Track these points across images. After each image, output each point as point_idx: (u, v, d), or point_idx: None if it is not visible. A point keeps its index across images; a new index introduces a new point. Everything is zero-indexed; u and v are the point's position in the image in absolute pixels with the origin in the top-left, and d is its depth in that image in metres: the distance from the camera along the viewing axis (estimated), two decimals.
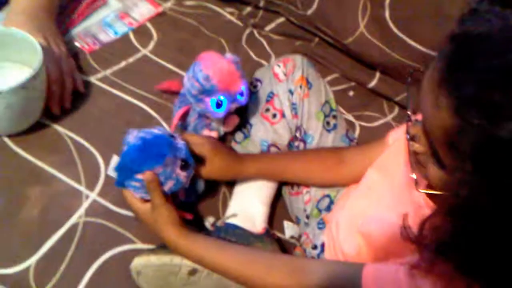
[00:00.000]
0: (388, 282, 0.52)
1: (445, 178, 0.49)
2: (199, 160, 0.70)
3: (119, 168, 0.65)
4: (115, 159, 0.78)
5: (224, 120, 0.82)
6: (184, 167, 0.65)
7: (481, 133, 0.40)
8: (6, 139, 0.77)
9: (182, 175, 0.66)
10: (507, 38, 0.42)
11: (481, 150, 0.41)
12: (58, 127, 0.80)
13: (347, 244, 0.66)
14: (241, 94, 0.76)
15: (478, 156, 0.41)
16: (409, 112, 0.57)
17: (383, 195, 0.69)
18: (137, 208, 0.66)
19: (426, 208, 0.58)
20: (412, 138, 0.56)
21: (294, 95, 0.83)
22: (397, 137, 0.72)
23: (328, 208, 0.78)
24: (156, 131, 0.66)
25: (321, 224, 0.76)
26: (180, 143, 0.66)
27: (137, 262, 0.66)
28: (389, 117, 1.02)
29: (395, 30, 0.95)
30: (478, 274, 0.43)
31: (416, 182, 0.56)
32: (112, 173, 0.76)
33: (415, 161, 0.56)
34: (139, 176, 0.63)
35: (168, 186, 0.65)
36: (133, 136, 0.65)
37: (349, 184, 0.79)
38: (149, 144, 0.64)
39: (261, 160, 0.78)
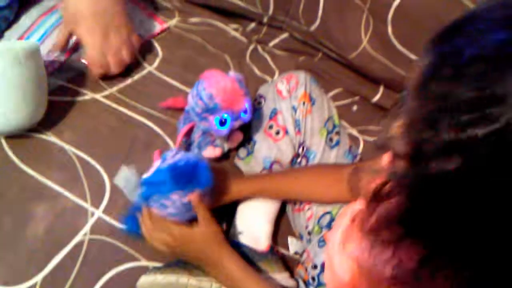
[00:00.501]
0: None
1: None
2: None
3: (150, 182, 0.66)
4: (125, 170, 0.78)
5: (228, 137, 0.82)
6: None
7: None
8: (12, 155, 0.78)
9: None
10: None
11: None
12: (63, 144, 0.81)
13: (341, 268, 0.66)
14: (245, 111, 0.77)
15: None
16: None
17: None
18: (171, 227, 0.66)
19: None
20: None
21: (297, 112, 0.83)
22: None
23: (329, 225, 0.78)
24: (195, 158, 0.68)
25: (322, 242, 0.76)
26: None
27: (144, 280, 0.67)
28: None
29: (397, 45, 0.96)
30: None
31: None
32: (120, 183, 0.77)
33: None
34: (174, 196, 0.64)
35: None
36: (176, 155, 0.68)
37: (347, 201, 0.78)
38: (195, 168, 0.66)
39: (260, 182, 0.79)
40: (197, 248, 0.66)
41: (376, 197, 0.48)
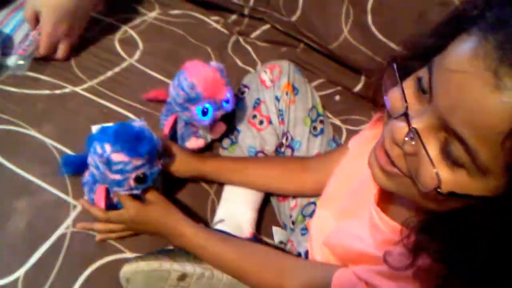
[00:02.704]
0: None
1: (467, 182, 0.41)
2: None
3: (101, 130, 0.66)
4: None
5: (211, 128, 0.82)
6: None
7: None
8: None
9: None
10: None
11: None
12: (43, 138, 0.80)
13: (319, 256, 0.66)
14: (227, 101, 0.77)
15: None
16: (406, 105, 0.45)
17: (342, 203, 0.68)
18: (131, 205, 0.68)
19: (375, 213, 0.57)
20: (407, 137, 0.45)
21: (280, 101, 0.83)
22: (357, 142, 0.72)
23: (312, 215, 0.79)
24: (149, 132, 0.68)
25: (304, 231, 0.76)
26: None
27: (126, 269, 0.66)
28: None
29: (378, 34, 0.97)
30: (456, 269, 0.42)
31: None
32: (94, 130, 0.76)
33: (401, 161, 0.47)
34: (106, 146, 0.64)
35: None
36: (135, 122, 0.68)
37: (312, 194, 0.78)
38: (140, 136, 0.65)
39: (221, 160, 0.81)
40: (149, 228, 0.69)
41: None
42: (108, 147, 0.63)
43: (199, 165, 0.78)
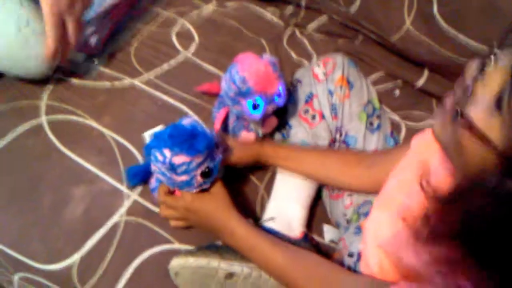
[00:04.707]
0: None
1: None
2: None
3: (156, 135, 0.67)
4: (159, 127, 0.80)
5: (262, 122, 0.81)
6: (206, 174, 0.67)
7: None
8: (53, 138, 0.80)
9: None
10: None
11: None
12: (102, 128, 0.83)
13: (372, 258, 0.63)
14: (279, 95, 0.75)
15: None
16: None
17: (399, 206, 0.63)
18: (185, 197, 0.68)
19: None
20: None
21: (334, 96, 0.80)
22: (421, 140, 0.67)
23: (368, 214, 0.75)
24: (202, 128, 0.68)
25: (358, 230, 0.73)
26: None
27: (175, 262, 0.67)
28: None
29: (444, 25, 0.90)
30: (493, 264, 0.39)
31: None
32: (146, 137, 0.80)
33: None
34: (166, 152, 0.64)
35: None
36: (187, 119, 0.68)
37: (366, 190, 0.75)
38: (195, 133, 0.66)
39: (280, 146, 0.79)
40: (202, 219, 0.68)
41: (444, 203, 0.45)
42: (167, 152, 0.64)
43: (259, 148, 0.77)
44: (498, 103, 0.41)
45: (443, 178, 0.51)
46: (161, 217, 0.73)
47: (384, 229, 0.63)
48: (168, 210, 0.71)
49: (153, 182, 0.75)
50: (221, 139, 0.75)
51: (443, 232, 0.43)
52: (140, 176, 0.76)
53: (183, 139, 0.64)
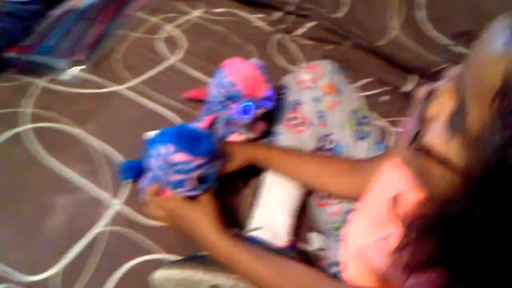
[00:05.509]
0: None
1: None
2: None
3: (161, 133, 0.67)
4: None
5: (251, 126, 0.80)
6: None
7: None
8: (38, 146, 0.79)
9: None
10: None
11: None
12: (85, 136, 0.82)
13: (352, 264, 0.63)
14: (268, 98, 0.75)
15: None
16: None
17: (376, 212, 0.62)
18: (174, 200, 0.67)
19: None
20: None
21: (321, 102, 0.80)
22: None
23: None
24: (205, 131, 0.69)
25: (339, 237, 0.72)
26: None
27: (159, 274, 0.66)
28: None
29: (432, 30, 0.90)
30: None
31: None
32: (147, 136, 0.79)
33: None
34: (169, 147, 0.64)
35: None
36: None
37: (356, 197, 0.74)
38: (200, 135, 0.66)
39: (273, 149, 0.78)
40: (187, 226, 0.67)
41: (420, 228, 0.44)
42: (171, 147, 0.64)
43: (253, 150, 0.77)
44: (452, 124, 0.41)
45: (413, 203, 0.51)
46: (147, 215, 0.72)
47: (362, 235, 0.63)
48: (156, 210, 0.69)
49: (144, 181, 0.73)
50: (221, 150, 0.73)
51: (422, 261, 0.43)
52: (134, 172, 0.75)
53: (190, 138, 0.65)
